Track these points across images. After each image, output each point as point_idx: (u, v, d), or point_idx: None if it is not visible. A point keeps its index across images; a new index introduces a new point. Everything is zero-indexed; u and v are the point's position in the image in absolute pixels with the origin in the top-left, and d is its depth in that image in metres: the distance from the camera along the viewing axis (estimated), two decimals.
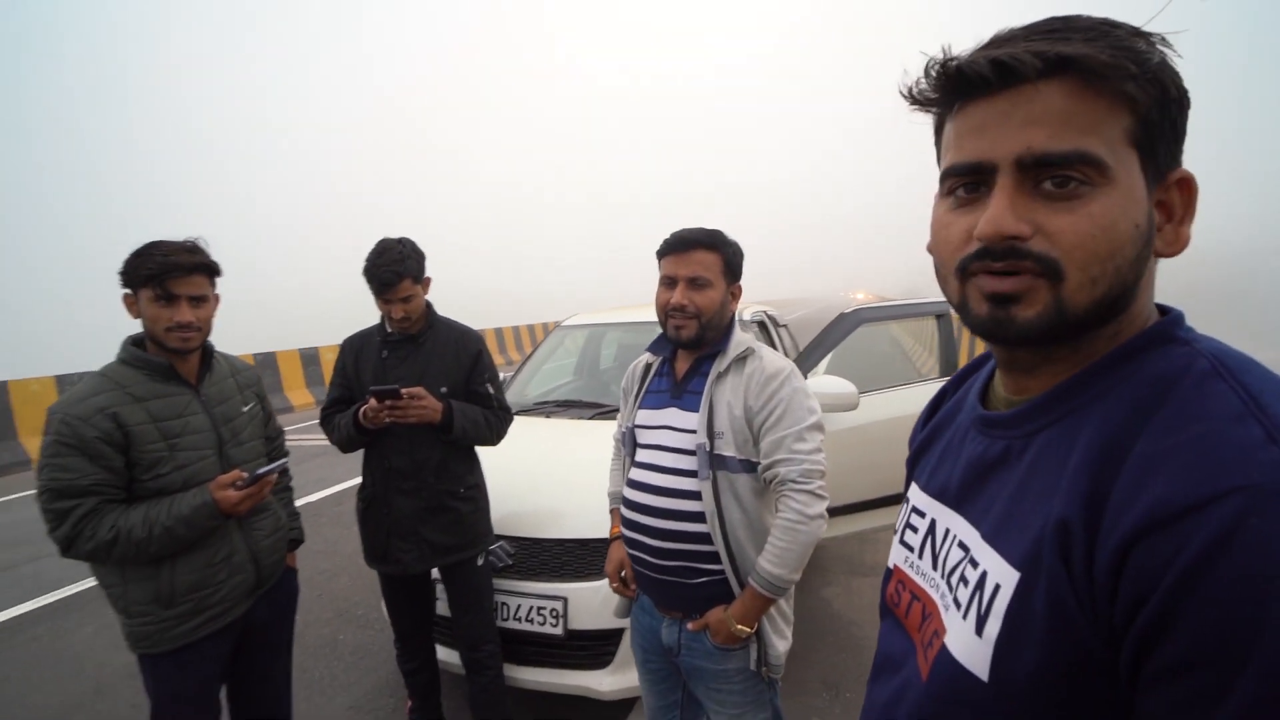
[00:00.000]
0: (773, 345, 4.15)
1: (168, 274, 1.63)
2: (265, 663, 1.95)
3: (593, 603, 2.36)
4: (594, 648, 2.38)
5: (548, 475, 2.78)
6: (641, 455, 1.64)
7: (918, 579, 0.70)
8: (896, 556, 0.75)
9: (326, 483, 6.10)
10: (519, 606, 2.41)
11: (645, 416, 1.67)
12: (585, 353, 4.55)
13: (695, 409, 1.56)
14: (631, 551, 1.65)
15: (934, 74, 0.57)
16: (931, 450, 0.76)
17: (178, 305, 1.66)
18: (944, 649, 0.60)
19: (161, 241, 1.69)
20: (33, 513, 5.72)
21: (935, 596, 0.66)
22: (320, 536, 4.81)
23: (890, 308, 3.83)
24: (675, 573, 1.55)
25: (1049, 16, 0.56)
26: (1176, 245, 0.57)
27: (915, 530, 0.72)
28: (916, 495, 0.75)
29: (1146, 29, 0.54)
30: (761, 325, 4.17)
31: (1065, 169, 0.52)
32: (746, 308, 4.23)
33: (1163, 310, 0.60)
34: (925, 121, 0.63)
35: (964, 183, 0.58)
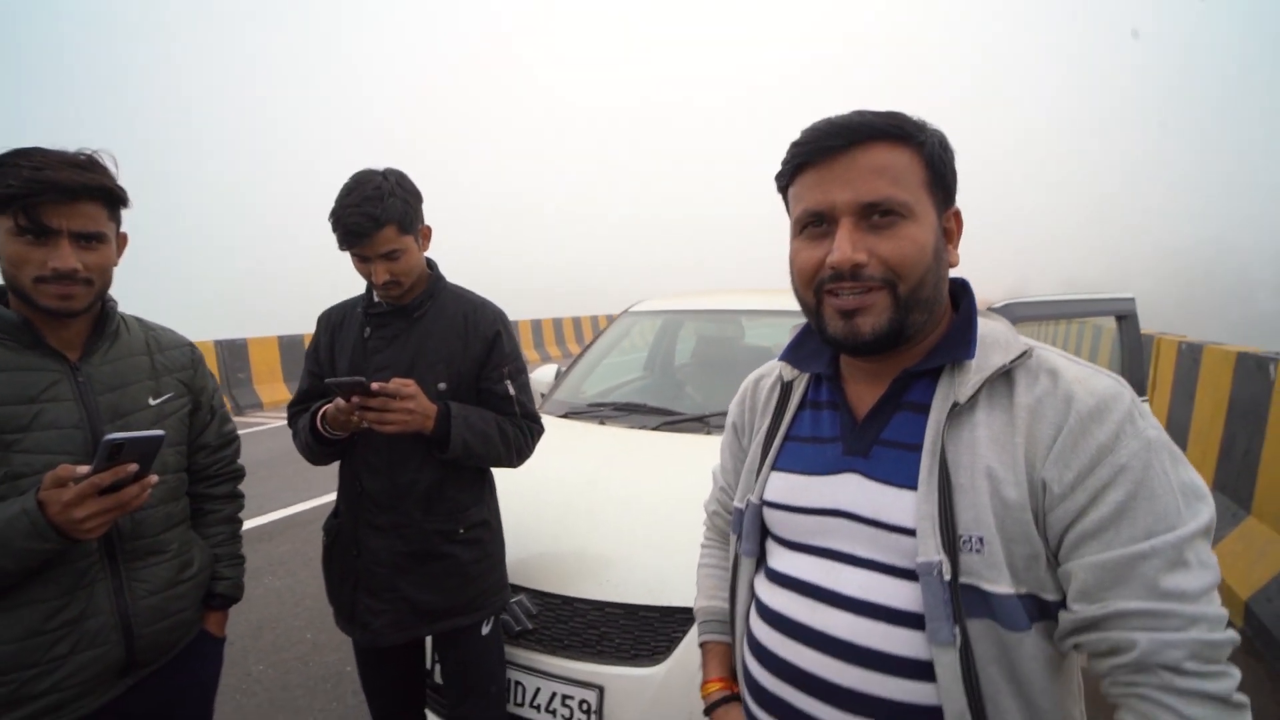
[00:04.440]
0: None
1: (38, 195, 1.07)
2: None
3: (639, 697, 1.67)
4: None
5: (591, 507, 2.09)
6: (791, 565, 0.87)
7: None
8: None
9: None
10: (538, 691, 1.74)
11: (791, 487, 0.88)
12: (658, 346, 3.85)
13: (906, 481, 0.78)
14: None
15: None
16: None
17: (55, 244, 1.11)
18: None
19: (34, 150, 1.12)
20: None
21: None
22: None
23: (1052, 303, 2.94)
24: None
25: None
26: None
27: None
28: None
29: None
30: None
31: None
32: None
33: None
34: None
35: None
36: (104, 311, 1.24)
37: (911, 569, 0.74)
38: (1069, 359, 0.78)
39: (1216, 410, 4.06)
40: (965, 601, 0.71)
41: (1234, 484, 3.74)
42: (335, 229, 1.46)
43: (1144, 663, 0.66)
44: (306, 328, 10.91)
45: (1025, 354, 0.77)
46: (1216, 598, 0.68)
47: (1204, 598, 0.67)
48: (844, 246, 0.76)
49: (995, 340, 0.80)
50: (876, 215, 0.77)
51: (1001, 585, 0.71)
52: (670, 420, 2.64)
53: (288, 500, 5.08)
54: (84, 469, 1.03)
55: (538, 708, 1.74)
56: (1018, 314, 2.78)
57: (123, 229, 1.26)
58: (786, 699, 0.82)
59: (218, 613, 1.42)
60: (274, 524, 4.61)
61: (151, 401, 1.28)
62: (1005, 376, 0.77)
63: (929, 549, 0.72)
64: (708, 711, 1.01)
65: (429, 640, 1.79)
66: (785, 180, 0.85)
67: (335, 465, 1.65)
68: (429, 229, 1.59)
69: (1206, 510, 0.69)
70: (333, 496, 1.69)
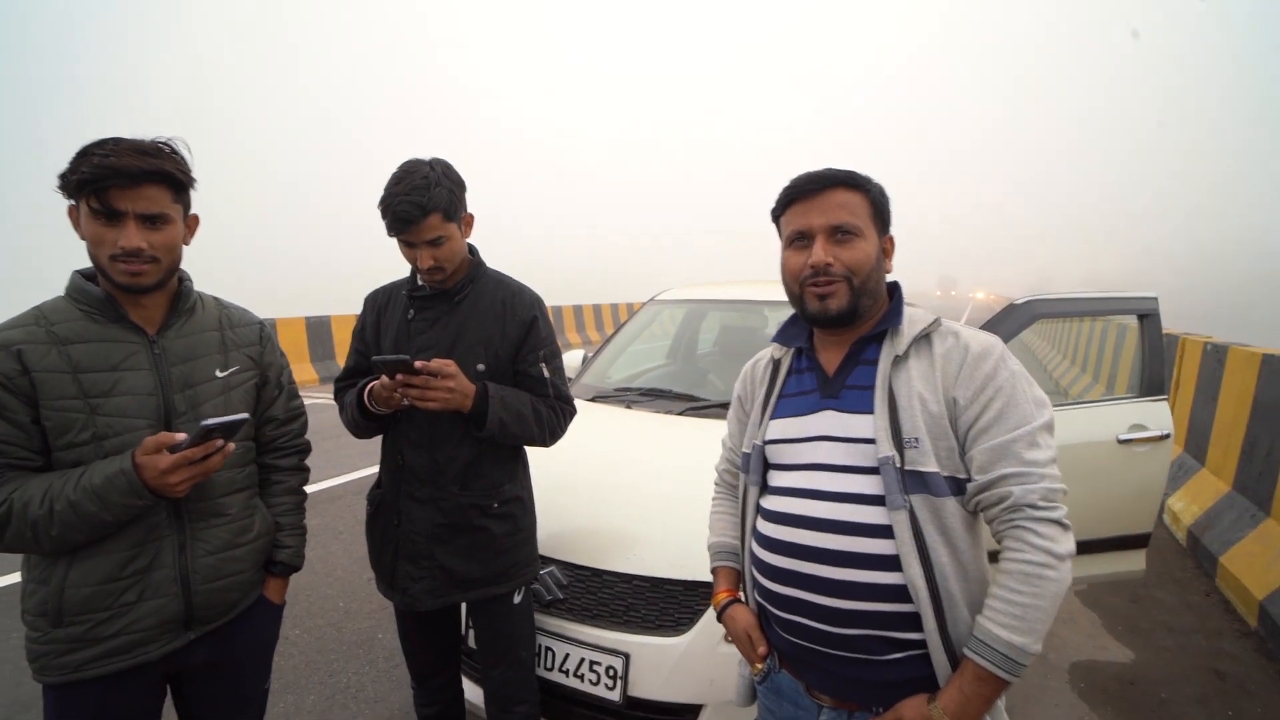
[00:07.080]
0: None
1: (106, 180, 1.18)
2: None
3: (663, 665, 1.76)
4: None
5: (619, 485, 2.18)
6: (788, 479, 1.20)
7: None
8: None
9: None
10: (566, 657, 1.85)
11: (785, 427, 1.22)
12: (681, 334, 3.93)
13: (865, 409, 1.14)
14: (786, 616, 1.17)
15: None
16: None
17: (122, 225, 1.21)
18: None
19: (110, 139, 1.22)
20: None
21: None
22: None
23: (1074, 300, 2.96)
24: (859, 646, 1.10)
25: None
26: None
27: None
28: None
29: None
30: None
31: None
32: None
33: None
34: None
35: None
36: (180, 290, 1.34)
37: (872, 466, 1.09)
38: (963, 326, 1.17)
39: (1240, 412, 4.05)
40: (909, 480, 1.07)
41: (1254, 486, 3.75)
42: (384, 215, 1.54)
43: (1016, 504, 1.02)
44: (331, 309, 11.14)
45: (936, 322, 1.17)
46: (1055, 466, 1.05)
47: (1048, 465, 1.04)
48: (819, 253, 1.14)
49: (918, 317, 1.18)
50: (840, 234, 1.14)
51: (931, 466, 1.07)
52: (694, 406, 2.72)
53: (318, 476, 5.25)
54: (181, 436, 1.19)
55: (566, 672, 1.84)
56: (1038, 310, 2.78)
57: (193, 211, 1.35)
58: (786, 567, 1.15)
59: (278, 579, 1.50)
60: None
61: (219, 374, 1.38)
62: (926, 338, 1.15)
63: (885, 448, 1.08)
64: (719, 614, 1.33)
65: (464, 607, 1.90)
66: (779, 211, 1.22)
67: (369, 442, 1.74)
68: (471, 217, 1.66)
69: (1048, 412, 1.09)
70: (360, 473, 1.80)
